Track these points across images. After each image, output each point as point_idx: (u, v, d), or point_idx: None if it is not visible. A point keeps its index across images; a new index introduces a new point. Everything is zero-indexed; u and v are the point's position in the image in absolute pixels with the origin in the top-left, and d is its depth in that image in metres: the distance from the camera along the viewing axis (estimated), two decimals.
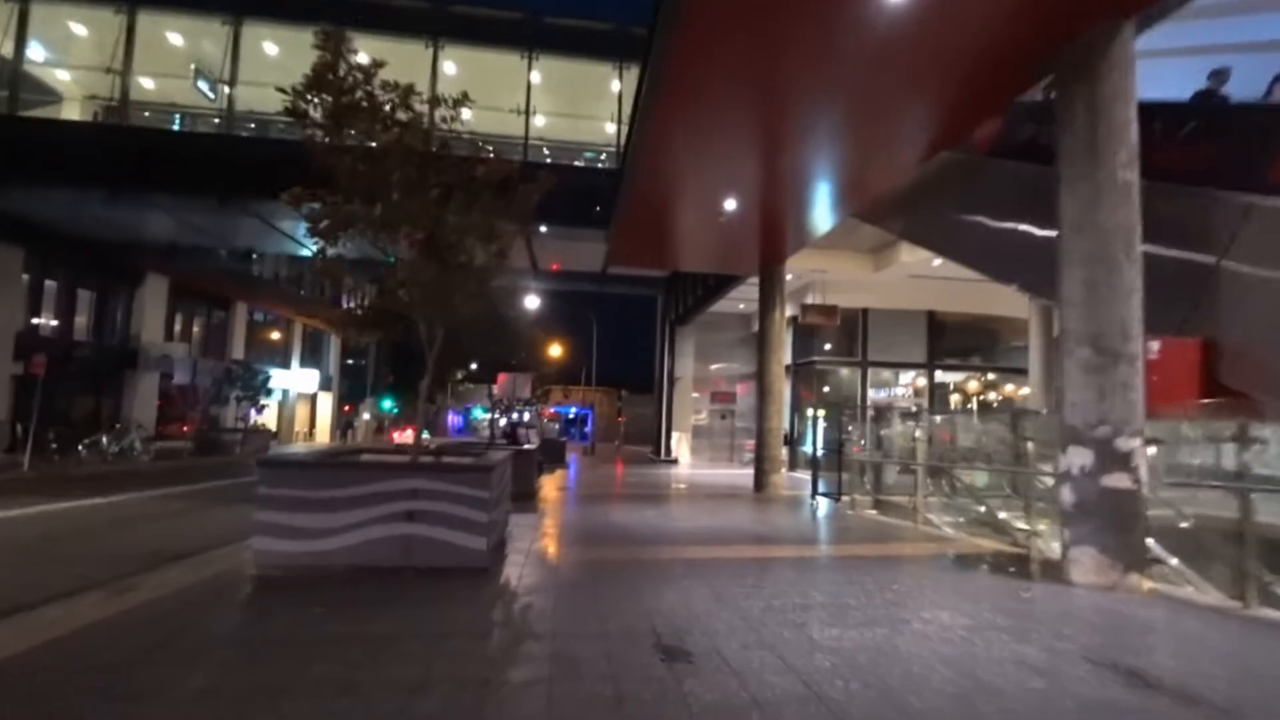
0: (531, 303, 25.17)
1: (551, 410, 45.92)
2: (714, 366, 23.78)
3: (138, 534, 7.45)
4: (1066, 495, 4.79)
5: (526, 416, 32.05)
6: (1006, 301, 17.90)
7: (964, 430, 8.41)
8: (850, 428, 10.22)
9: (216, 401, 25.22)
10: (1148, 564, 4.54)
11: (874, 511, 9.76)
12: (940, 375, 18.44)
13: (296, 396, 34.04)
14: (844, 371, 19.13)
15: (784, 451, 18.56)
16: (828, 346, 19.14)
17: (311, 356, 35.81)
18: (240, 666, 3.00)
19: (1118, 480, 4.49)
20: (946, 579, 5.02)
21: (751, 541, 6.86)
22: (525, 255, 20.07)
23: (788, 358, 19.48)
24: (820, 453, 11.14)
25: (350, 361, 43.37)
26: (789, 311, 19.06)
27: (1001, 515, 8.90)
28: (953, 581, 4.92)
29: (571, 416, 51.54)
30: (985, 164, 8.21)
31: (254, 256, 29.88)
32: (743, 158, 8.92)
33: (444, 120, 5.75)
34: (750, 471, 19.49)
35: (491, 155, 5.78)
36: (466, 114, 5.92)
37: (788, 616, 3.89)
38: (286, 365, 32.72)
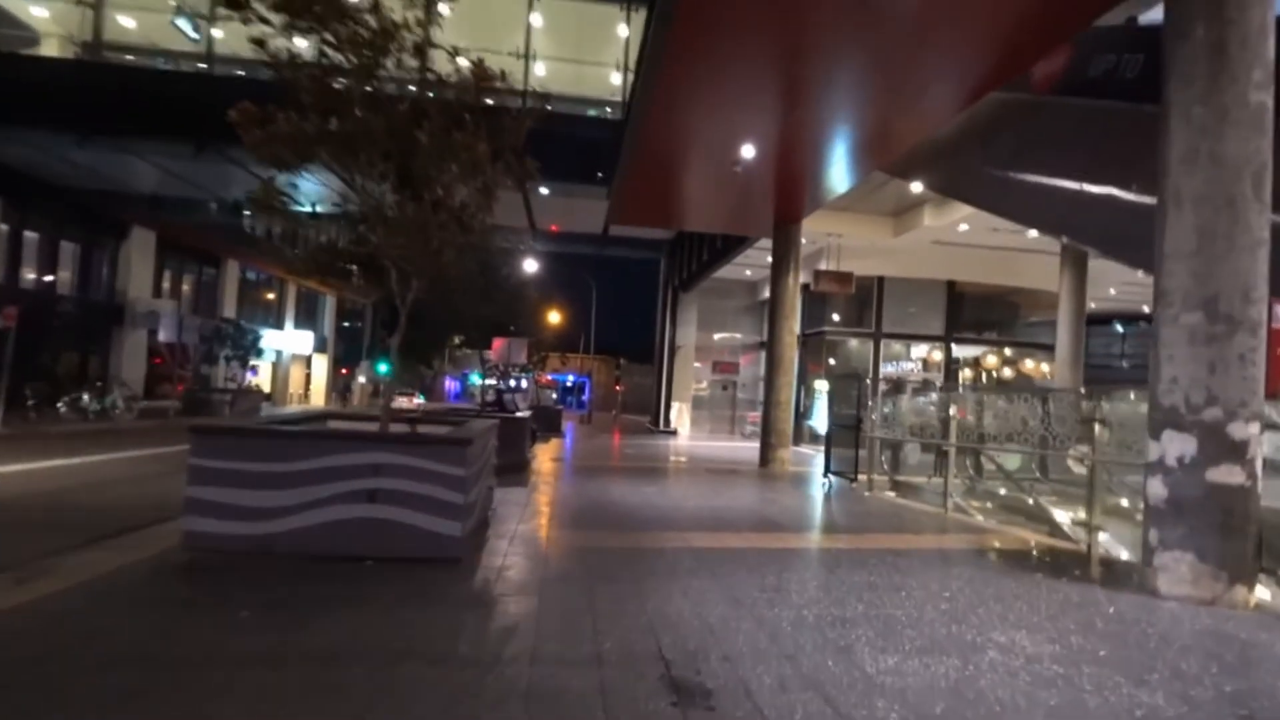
0: (529, 266, 24.20)
1: (549, 378, 45.30)
2: (717, 336, 22.91)
3: (87, 501, 6.73)
4: (1157, 489, 4.01)
5: (524, 384, 31.41)
6: (1034, 272, 16.93)
7: (998, 408, 7.60)
8: (871, 402, 9.41)
9: (209, 361, 24.55)
10: (1254, 574, 3.77)
11: (893, 494, 9.04)
12: (957, 349, 17.57)
13: (291, 358, 33.29)
14: (854, 343, 18.28)
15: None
16: (836, 317, 18.25)
17: (306, 318, 34.95)
18: (112, 706, 2.25)
19: (1227, 474, 3.70)
20: (1006, 585, 4.27)
21: (767, 528, 6.13)
22: (523, 215, 19.03)
23: (796, 329, 18.62)
24: (830, 428, 10.37)
25: (346, 324, 42.49)
26: (801, 278, 18.10)
27: (1030, 502, 8.18)
28: (1014, 588, 4.18)
29: (569, 384, 50.99)
30: (1047, 104, 7.19)
31: (245, 212, 28.83)
32: (760, 101, 7.89)
33: (418, 25, 4.77)
34: (753, 445, 18.83)
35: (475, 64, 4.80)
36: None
37: (826, 635, 3.14)
38: (280, 326, 31.89)
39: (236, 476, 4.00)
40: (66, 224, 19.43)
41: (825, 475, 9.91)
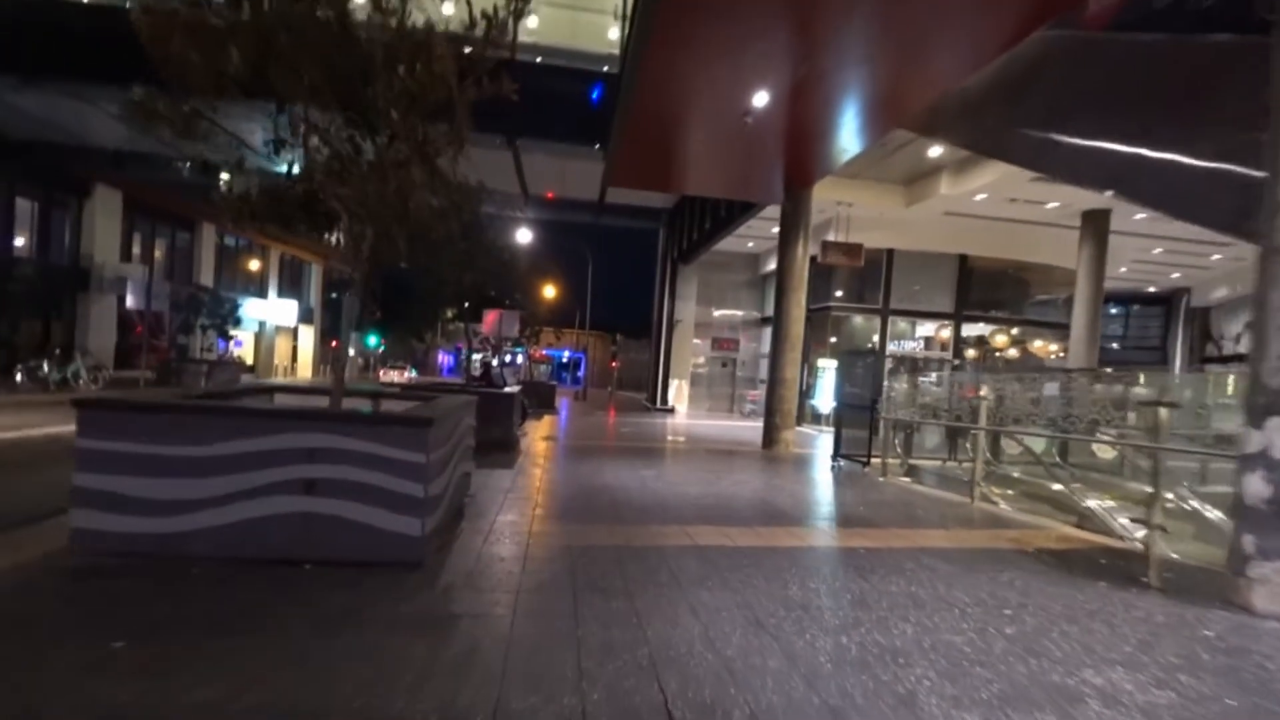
0: (523, 236, 23.18)
1: (542, 353, 44.53)
2: (717, 312, 22.12)
3: (8, 482, 5.95)
4: (1257, 488, 3.32)
5: (517, 359, 30.56)
6: (1049, 247, 16.17)
7: (1034, 389, 6.91)
8: (886, 381, 8.71)
9: (186, 331, 23.58)
10: None
11: (907, 480, 8.39)
12: (966, 328, 16.87)
13: (275, 329, 32.26)
14: (858, 320, 17.54)
15: None
16: (838, 293, 17.46)
17: (291, 287, 33.83)
18: None
19: None
20: (1071, 598, 3.60)
21: (780, 521, 5.44)
22: (514, 180, 18.00)
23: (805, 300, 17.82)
24: (840, 408, 9.68)
25: (335, 295, 41.31)
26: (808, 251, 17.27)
27: (1054, 488, 7.56)
28: (1082, 602, 3.51)
29: (564, 360, 50.27)
30: (1102, 43, 6.32)
31: (222, 175, 27.52)
32: (768, 46, 6.96)
33: None
34: (754, 425, 18.21)
35: None
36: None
37: (878, 676, 2.44)
38: (263, 295, 30.80)
39: (139, 462, 3.23)
40: (22, 181, 18.23)
41: (835, 458, 9.26)
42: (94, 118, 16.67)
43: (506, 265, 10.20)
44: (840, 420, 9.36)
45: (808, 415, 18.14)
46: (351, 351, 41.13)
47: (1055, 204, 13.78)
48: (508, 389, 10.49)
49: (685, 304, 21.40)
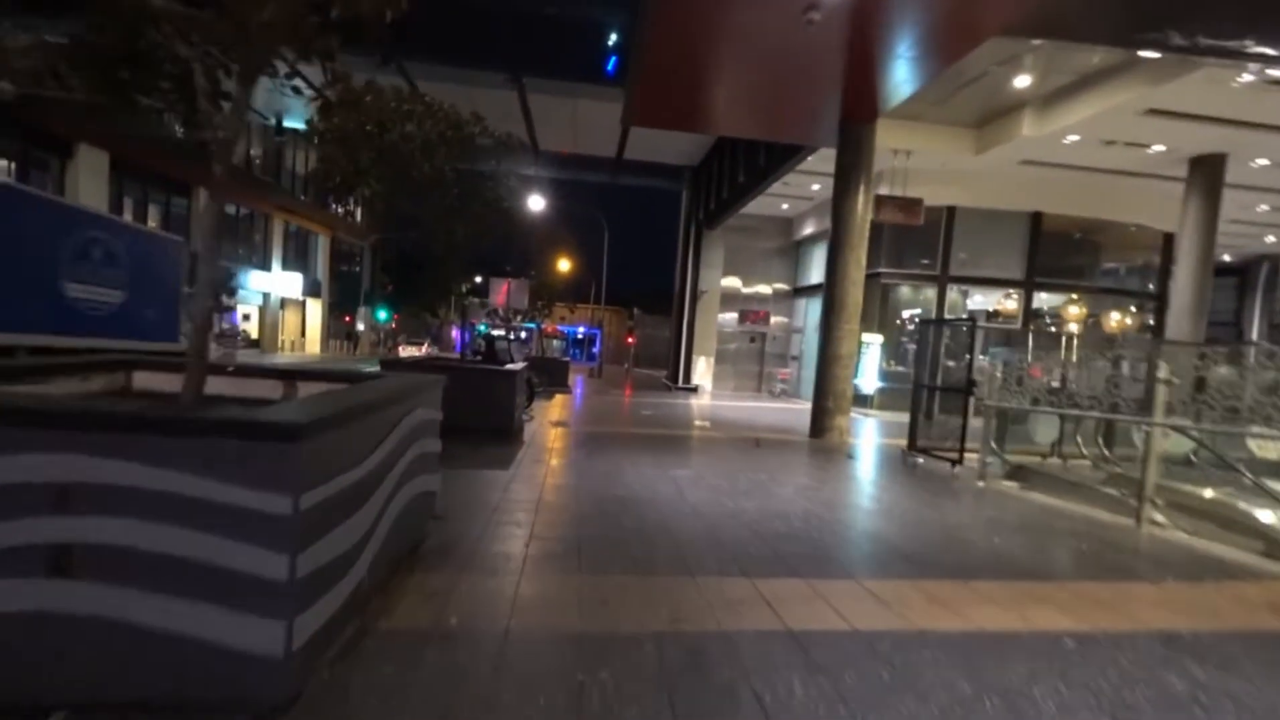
0: (535, 203, 21.32)
1: (556, 328, 43.05)
2: (745, 283, 20.16)
3: None
4: None
5: (523, 334, 28.94)
6: (1141, 203, 13.96)
7: (1213, 373, 5.04)
8: (988, 357, 6.87)
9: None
10: None
11: (1014, 485, 6.59)
12: (1038, 296, 14.76)
13: (281, 302, 31.02)
14: (904, 289, 15.50)
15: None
16: (888, 258, 15.39)
17: (296, 259, 32.45)
18: None
19: None
20: None
21: (896, 566, 3.71)
22: (522, 130, 16.09)
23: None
24: (919, 391, 7.83)
25: (345, 268, 39.96)
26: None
27: (1207, 495, 5.71)
28: None
29: (579, 336, 48.88)
30: None
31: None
32: None
33: None
34: (788, 406, 16.42)
35: None
36: None
37: None
38: (266, 267, 29.47)
39: None
40: None
41: (910, 453, 7.48)
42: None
43: (507, 216, 8.40)
44: (918, 404, 7.54)
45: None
46: (361, 326, 40.02)
47: (1161, 148, 11.57)
48: (510, 366, 8.83)
49: (710, 273, 19.49)
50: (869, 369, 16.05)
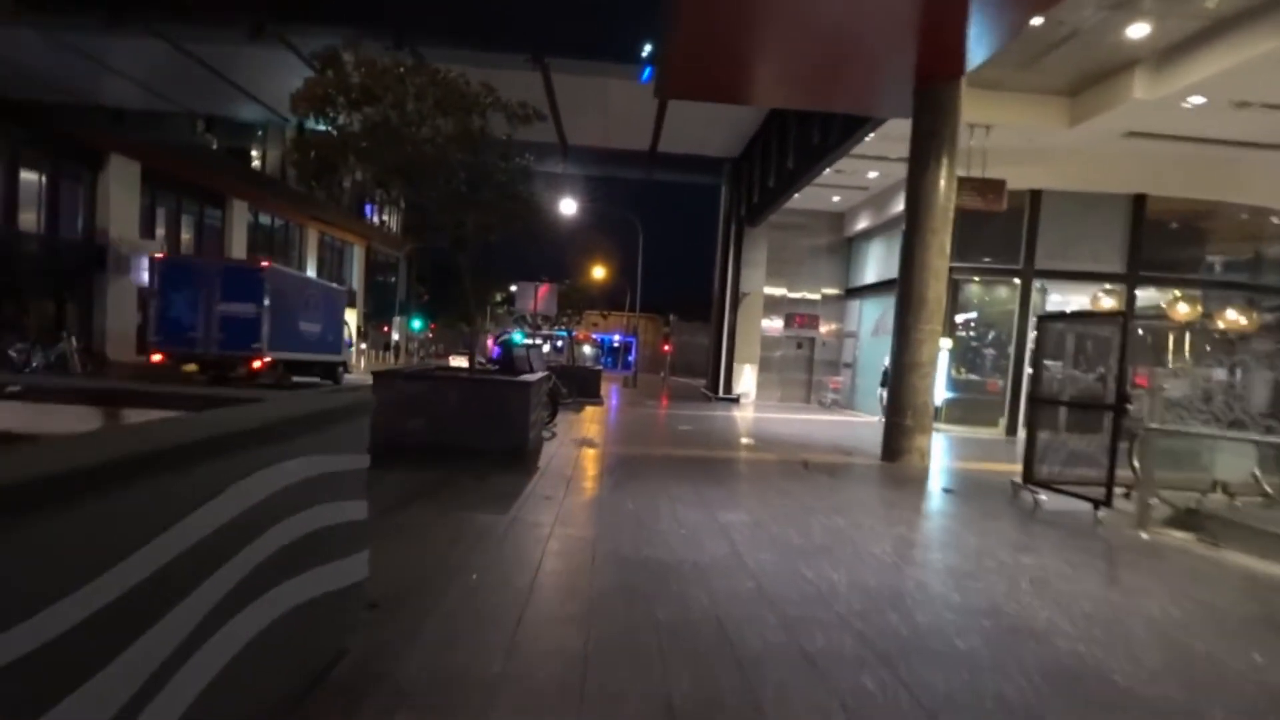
0: (566, 206, 20.28)
1: (590, 335, 42.05)
2: (791, 285, 18.47)
3: None
4: None
5: (548, 342, 27.89)
6: (1265, 181, 11.81)
7: None
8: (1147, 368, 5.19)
9: None
10: None
11: (1186, 535, 4.85)
12: (1142, 292, 12.65)
13: None
14: (973, 286, 13.59)
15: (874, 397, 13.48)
16: (959, 251, 13.51)
17: (331, 269, 32.38)
18: None
19: None
20: None
21: (1115, 710, 2.18)
22: (550, 129, 14.98)
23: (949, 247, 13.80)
24: (1033, 406, 6.15)
25: (380, 279, 39.98)
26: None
27: None
28: None
29: (615, 344, 47.91)
30: None
31: (254, 149, 26.13)
32: None
33: None
34: (842, 419, 14.65)
35: None
36: None
37: None
38: None
39: None
40: (26, 149, 16.75)
41: (1026, 487, 5.81)
42: (107, 77, 14.93)
43: (526, 206, 7.15)
44: (1035, 425, 5.87)
45: None
46: (396, 336, 39.92)
47: None
48: (527, 376, 7.55)
49: (753, 273, 17.93)
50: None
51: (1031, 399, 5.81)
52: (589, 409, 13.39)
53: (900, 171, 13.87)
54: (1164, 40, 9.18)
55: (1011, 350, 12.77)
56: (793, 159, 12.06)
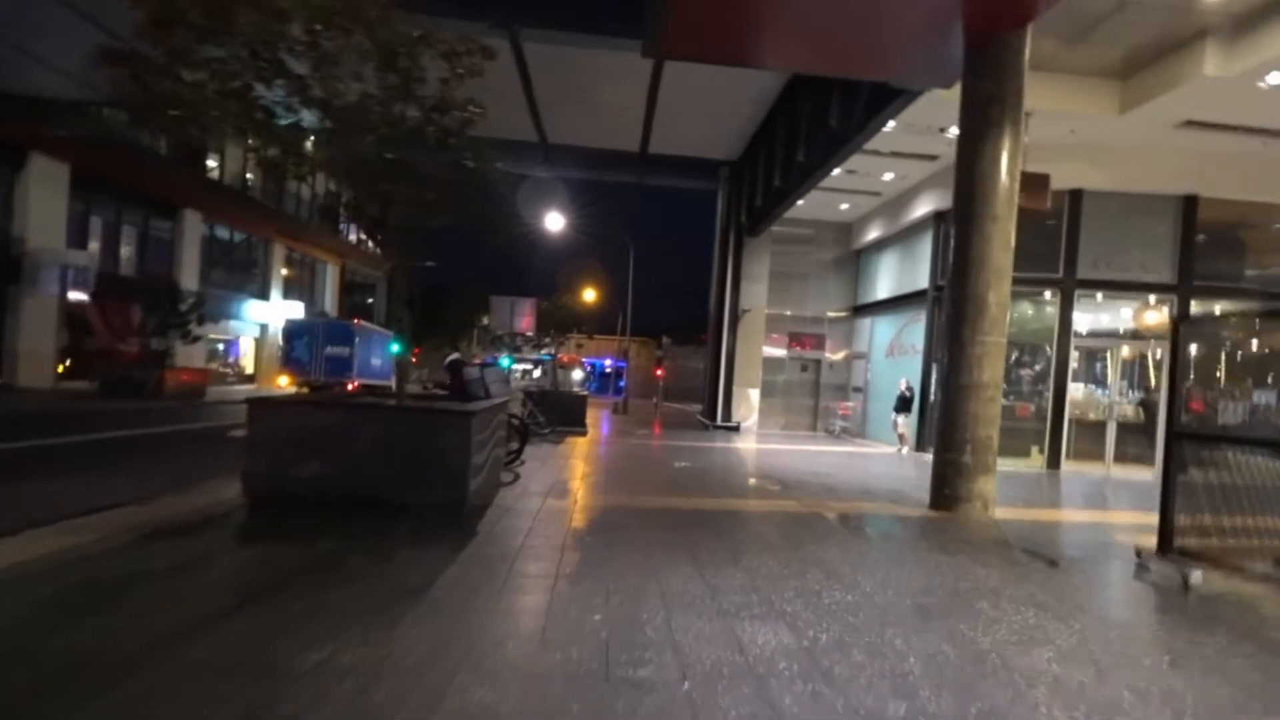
0: (553, 221, 18.69)
1: (575, 358, 40.36)
2: (796, 310, 16.87)
3: None
4: None
5: (537, 372, 26.16)
6: None
7: None
8: None
9: (161, 333, 20.02)
10: None
11: None
12: (1187, 306, 11.14)
13: (279, 333, 28.81)
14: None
15: (906, 428, 11.79)
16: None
17: (300, 288, 30.46)
18: None
19: None
20: None
21: None
22: (527, 120, 13.46)
23: (924, 279, 12.33)
24: (1176, 444, 4.43)
25: (358, 300, 38.02)
26: (933, 205, 11.86)
27: None
28: None
29: (607, 369, 46.36)
30: None
31: (212, 152, 24.12)
32: None
33: None
34: (859, 450, 12.85)
35: None
36: None
37: None
38: (264, 296, 27.43)
39: None
40: None
41: (1167, 560, 4.05)
42: (37, 68, 13.25)
43: (475, 176, 5.42)
44: (1174, 463, 4.14)
45: (929, 439, 12.75)
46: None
47: None
48: (477, 404, 5.72)
49: (754, 288, 16.33)
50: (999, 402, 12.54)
51: (1178, 435, 4.07)
52: (571, 440, 11.55)
53: (919, 171, 12.51)
54: (1238, 10, 7.81)
55: (1051, 370, 11.15)
56: (804, 151, 10.53)
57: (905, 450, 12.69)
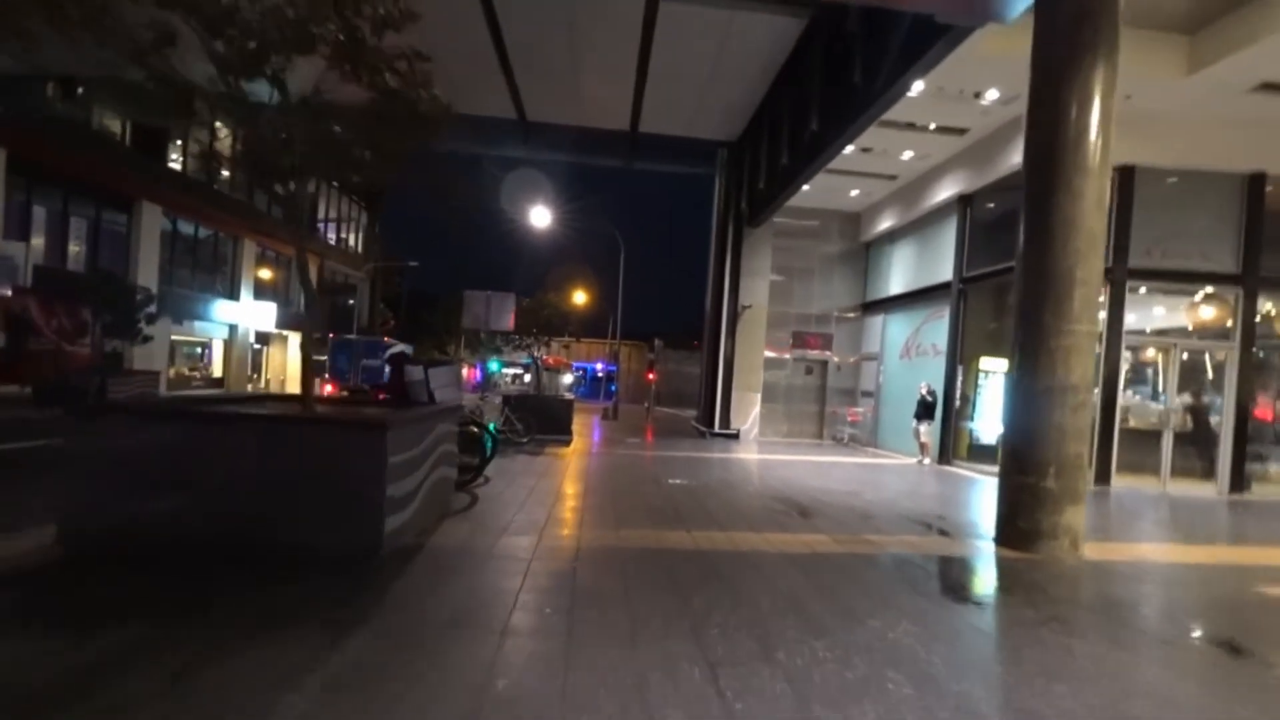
0: (539, 216, 17.30)
1: (562, 361, 38.89)
2: (798, 307, 15.50)
3: None
4: None
5: (529, 376, 24.74)
6: None
7: None
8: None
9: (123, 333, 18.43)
10: None
11: None
12: (1255, 300, 9.84)
13: (250, 335, 27.21)
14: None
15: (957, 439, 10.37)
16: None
17: (273, 288, 28.84)
18: None
19: None
20: None
21: None
22: (505, 98, 12.09)
23: (948, 270, 10.95)
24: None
25: (338, 301, 36.35)
26: (959, 187, 10.48)
27: None
28: None
29: (599, 374, 45.08)
30: None
31: (173, 142, 22.52)
32: None
33: None
34: (874, 462, 11.41)
35: None
36: None
37: None
38: (233, 296, 25.81)
39: None
40: None
41: None
42: None
43: (404, 104, 3.96)
44: None
45: (965, 448, 11.39)
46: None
47: None
48: (412, 412, 4.27)
49: (755, 283, 14.95)
50: (989, 409, 11.21)
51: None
52: (552, 451, 10.12)
53: (944, 149, 10.97)
54: None
55: (1099, 372, 9.80)
56: (817, 120, 9.15)
57: (927, 461, 11.34)
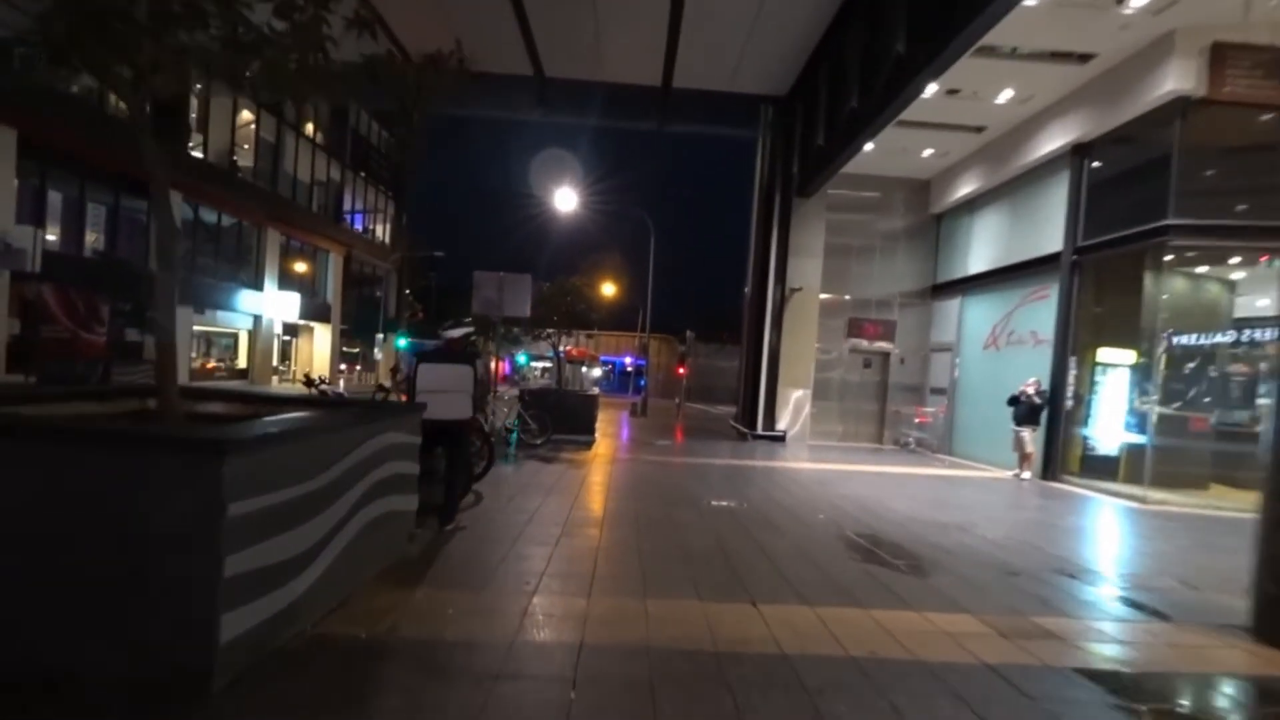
0: (563, 199, 15.65)
1: (589, 353, 37.48)
2: (853, 293, 13.45)
3: None
4: None
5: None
6: None
7: None
8: None
9: (136, 322, 17.83)
10: None
11: None
12: None
13: (276, 326, 26.59)
14: (1178, 270, 8.33)
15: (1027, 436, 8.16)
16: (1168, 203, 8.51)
17: (297, 278, 28.17)
18: None
19: None
20: None
21: None
22: (521, 53, 10.46)
23: (1057, 240, 8.51)
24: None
25: (363, 292, 35.72)
26: (1073, 134, 8.10)
27: None
28: None
29: (628, 368, 43.68)
30: None
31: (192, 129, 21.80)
32: None
33: None
34: (960, 474, 9.15)
35: None
36: None
37: None
38: (257, 286, 25.16)
39: None
40: None
41: None
42: None
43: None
44: None
45: (1072, 461, 9.26)
46: (380, 355, 35.52)
47: None
48: (348, 409, 2.64)
49: (805, 264, 12.99)
50: (1107, 412, 9.08)
51: None
52: (570, 455, 8.54)
53: (1056, 86, 7.92)
54: None
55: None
56: (904, 41, 7.17)
57: (1027, 475, 9.27)
